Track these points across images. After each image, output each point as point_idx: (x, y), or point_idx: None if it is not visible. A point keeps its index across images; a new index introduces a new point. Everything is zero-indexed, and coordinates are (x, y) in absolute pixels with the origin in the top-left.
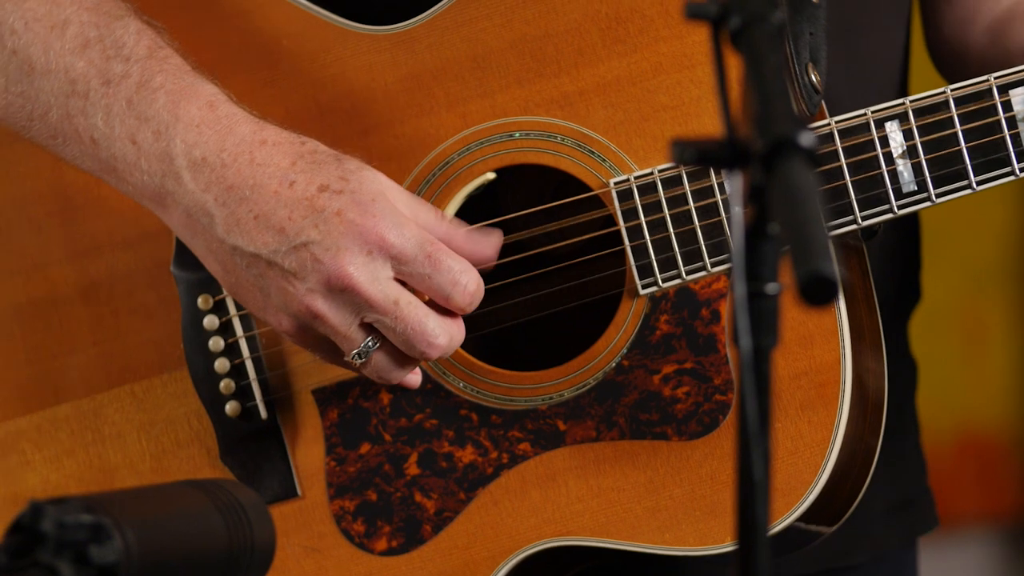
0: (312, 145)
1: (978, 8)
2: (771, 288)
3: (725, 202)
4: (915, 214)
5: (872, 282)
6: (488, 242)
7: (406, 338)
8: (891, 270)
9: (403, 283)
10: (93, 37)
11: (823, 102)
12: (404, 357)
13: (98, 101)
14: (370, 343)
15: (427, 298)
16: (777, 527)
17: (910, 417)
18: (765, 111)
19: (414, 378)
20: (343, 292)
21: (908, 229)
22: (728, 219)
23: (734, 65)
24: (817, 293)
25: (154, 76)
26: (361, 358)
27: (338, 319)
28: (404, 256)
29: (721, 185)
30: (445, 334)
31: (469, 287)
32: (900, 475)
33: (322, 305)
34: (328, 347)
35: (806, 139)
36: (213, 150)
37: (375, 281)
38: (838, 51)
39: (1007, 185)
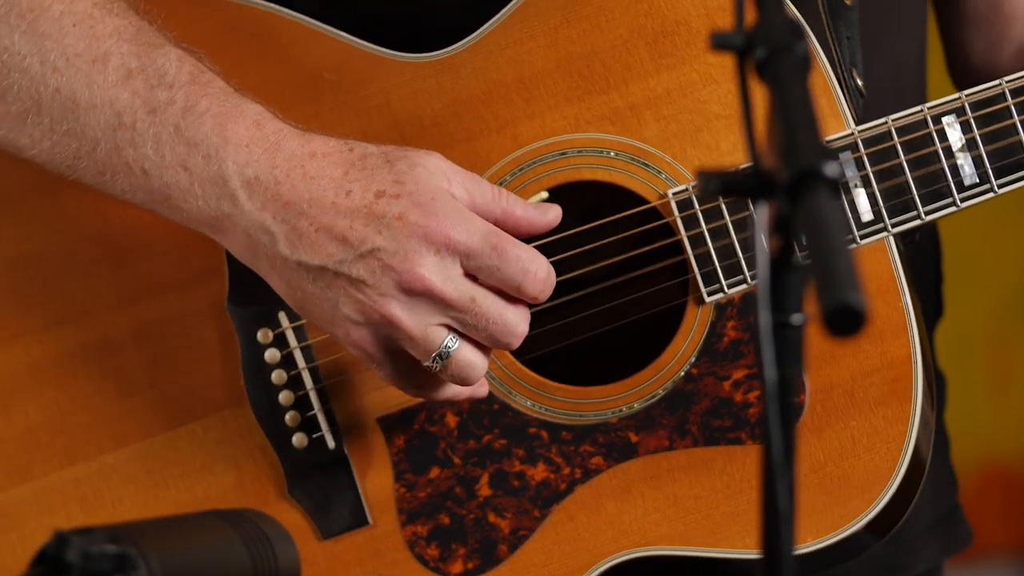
0: (361, 149)
1: (1006, 32)
2: (796, 319)
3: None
4: (935, 228)
5: (912, 287)
6: (548, 215)
7: (489, 332)
8: (914, 283)
9: (472, 277)
10: (135, 67)
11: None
12: (483, 351)
13: (146, 131)
14: (449, 343)
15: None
16: (857, 524)
17: (941, 433)
18: (790, 141)
19: (484, 389)
20: (419, 295)
21: (930, 242)
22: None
23: (760, 95)
24: (843, 324)
25: (199, 100)
26: (441, 360)
27: (414, 322)
28: (472, 251)
29: None
30: (524, 322)
31: (540, 274)
32: (936, 492)
33: (397, 309)
34: (397, 358)
35: (831, 170)
36: (265, 168)
37: (448, 280)
38: (867, 52)
39: None
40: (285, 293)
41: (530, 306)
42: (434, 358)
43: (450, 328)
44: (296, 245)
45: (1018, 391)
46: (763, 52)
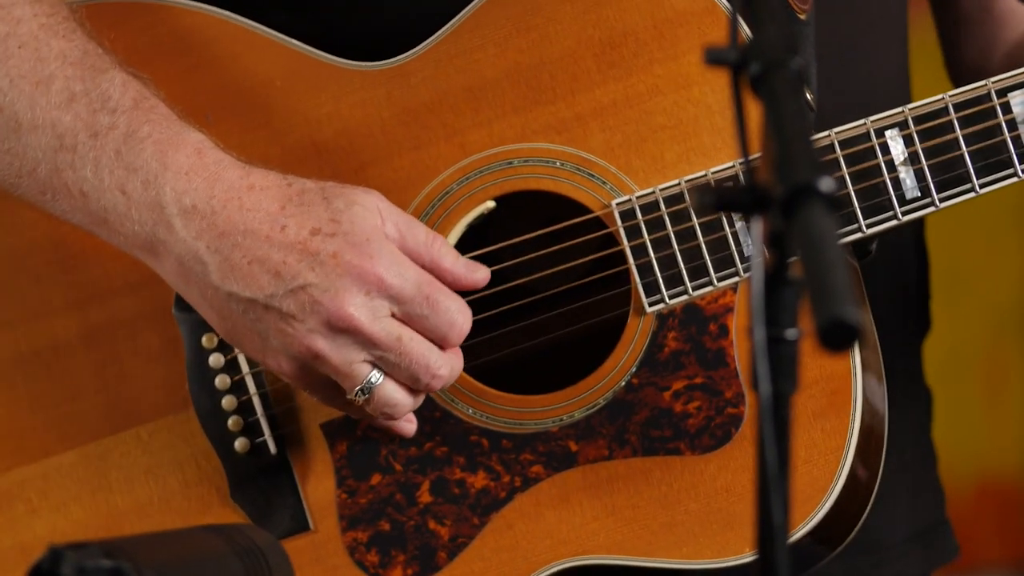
0: (299, 185)
1: (997, 34)
2: (790, 334)
3: (728, 216)
4: (924, 243)
5: (868, 302)
6: (475, 275)
7: (411, 372)
8: (900, 297)
9: (400, 321)
10: (79, 91)
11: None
12: (407, 390)
13: (86, 154)
14: (372, 379)
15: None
16: (796, 535)
17: (927, 447)
18: (785, 157)
19: (408, 426)
20: (345, 332)
21: (917, 256)
22: (731, 232)
23: (753, 110)
24: (838, 338)
25: (141, 126)
26: (364, 394)
27: (340, 358)
28: (403, 296)
29: None
30: (447, 365)
31: (466, 327)
32: (919, 505)
33: (323, 345)
34: (328, 388)
35: (826, 185)
36: (203, 197)
37: (376, 320)
38: (837, 72)
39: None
40: (215, 322)
41: (474, 313)
42: (357, 392)
43: (375, 365)
44: (228, 276)
45: (1012, 406)
46: (757, 67)
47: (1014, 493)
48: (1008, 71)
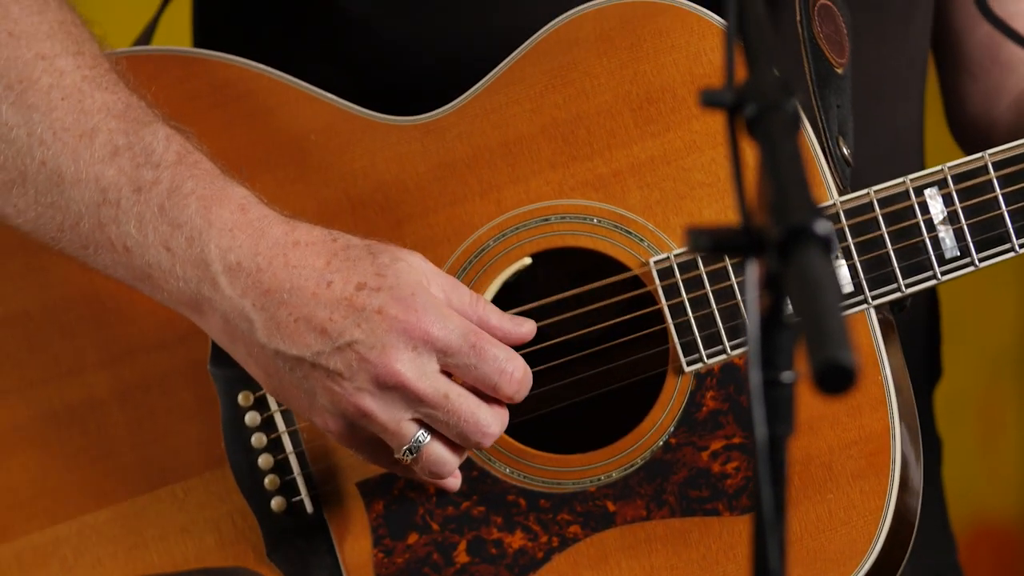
0: (344, 241)
1: (1003, 83)
2: (786, 376)
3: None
4: (934, 290)
5: (903, 355)
6: (522, 328)
7: (460, 430)
8: (913, 345)
9: (448, 374)
10: (122, 144)
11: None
12: (455, 448)
13: (130, 209)
14: (420, 437)
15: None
16: None
17: (938, 494)
18: (781, 199)
19: (455, 481)
20: (393, 389)
21: (929, 304)
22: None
23: (751, 152)
24: (834, 382)
25: (185, 181)
26: (412, 454)
27: (388, 416)
28: (450, 348)
29: None
30: (497, 422)
31: (516, 375)
32: (931, 551)
33: (371, 403)
34: (375, 446)
35: (822, 227)
36: (248, 254)
37: (424, 376)
38: (861, 123)
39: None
40: (262, 380)
41: None
42: (405, 451)
43: (422, 423)
44: (274, 334)
45: (1009, 449)
46: (753, 109)
47: (1011, 535)
48: (1014, 118)
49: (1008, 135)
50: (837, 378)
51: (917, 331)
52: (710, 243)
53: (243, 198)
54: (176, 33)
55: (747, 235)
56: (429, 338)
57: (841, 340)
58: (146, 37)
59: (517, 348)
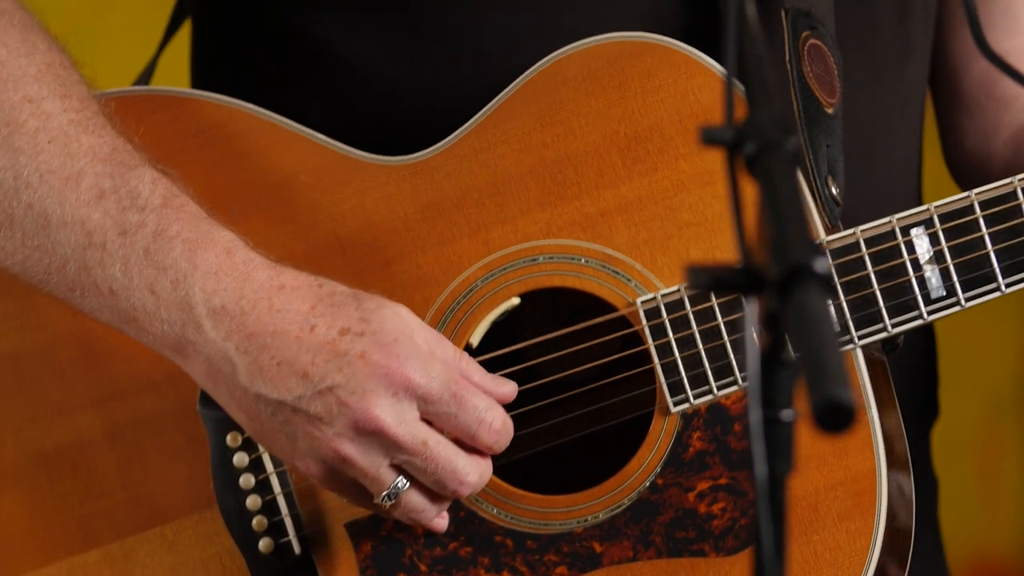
0: (330, 287)
1: (999, 119)
2: (786, 415)
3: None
4: (932, 330)
5: (896, 397)
6: (503, 389)
7: (437, 478)
8: (911, 385)
9: (428, 422)
10: (108, 188)
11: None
12: (434, 496)
13: (115, 252)
14: (399, 484)
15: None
16: None
17: (935, 534)
18: (780, 237)
19: (441, 522)
20: (371, 435)
21: (926, 343)
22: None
23: (750, 190)
24: (833, 420)
25: (170, 225)
26: (390, 499)
27: (366, 462)
28: (430, 396)
29: None
30: (475, 471)
31: (495, 424)
32: None
33: (350, 448)
34: (357, 490)
35: (821, 266)
36: (232, 297)
37: (403, 423)
38: (855, 163)
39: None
40: (245, 423)
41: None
42: (383, 497)
43: (402, 470)
44: (256, 377)
45: (1008, 488)
46: (753, 147)
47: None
48: (1011, 155)
49: (1004, 171)
50: (836, 416)
51: (914, 371)
52: (710, 282)
53: (229, 242)
54: (175, 74)
55: (746, 273)
56: (410, 385)
57: (841, 378)
58: (145, 78)
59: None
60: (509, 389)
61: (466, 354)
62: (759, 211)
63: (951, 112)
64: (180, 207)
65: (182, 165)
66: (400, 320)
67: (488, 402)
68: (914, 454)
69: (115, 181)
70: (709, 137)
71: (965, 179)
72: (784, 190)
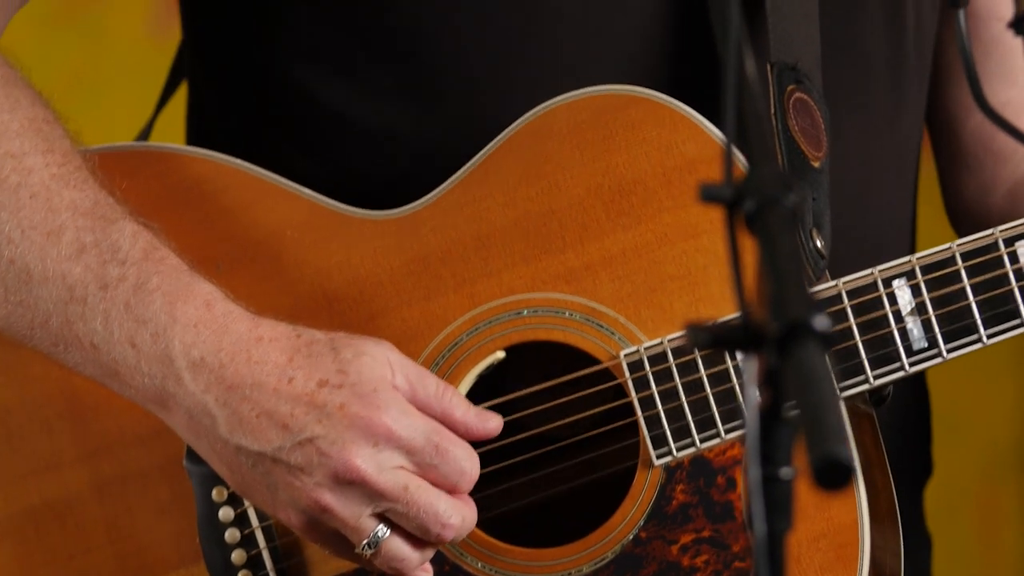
0: (308, 336)
1: (997, 174)
2: (785, 473)
3: (736, 368)
4: (925, 387)
5: (885, 451)
6: (488, 424)
7: (420, 522)
8: (902, 442)
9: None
10: (89, 242)
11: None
12: (418, 542)
13: (96, 306)
14: (379, 532)
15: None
16: None
17: None
18: (780, 294)
19: (424, 574)
20: (352, 484)
21: (918, 400)
22: (740, 385)
23: (748, 247)
24: (832, 477)
25: (150, 278)
26: (371, 548)
27: (347, 511)
28: (411, 447)
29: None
30: (458, 514)
31: (476, 474)
32: None
33: (330, 499)
34: (338, 540)
35: (821, 323)
36: (211, 349)
37: (383, 471)
38: (848, 217)
39: (1021, 364)
40: (226, 475)
41: (483, 465)
42: (364, 546)
43: (383, 518)
44: (236, 429)
45: (1007, 547)
46: (752, 204)
47: None
48: (1009, 209)
49: (1001, 224)
50: (835, 474)
51: (905, 427)
52: (709, 340)
53: (208, 294)
54: (173, 132)
55: (745, 330)
56: (391, 435)
57: (839, 436)
58: (144, 136)
59: (490, 443)
60: (494, 424)
61: (451, 387)
62: (758, 267)
63: (950, 165)
64: (160, 260)
65: (169, 221)
66: (379, 367)
67: (467, 451)
68: (906, 511)
69: (96, 235)
70: (709, 194)
71: (965, 231)
72: (784, 247)
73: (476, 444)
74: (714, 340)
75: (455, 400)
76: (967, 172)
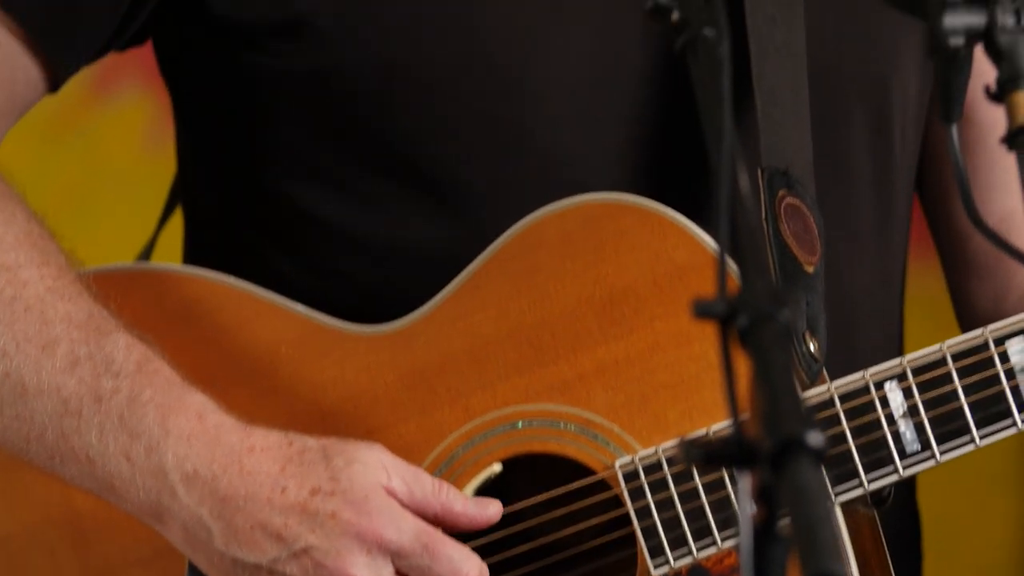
0: (300, 444)
1: (1010, 281)
2: None
3: (731, 476)
4: (915, 505)
5: (887, 552)
6: (488, 510)
7: None
8: (892, 560)
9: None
10: (83, 355)
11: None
12: None
13: (91, 419)
14: None
15: None
16: None
17: None
18: (773, 410)
19: None
20: None
21: (909, 516)
22: (735, 492)
23: (741, 356)
24: None
25: (143, 390)
26: None
27: None
28: (403, 550)
29: None
30: None
31: (472, 574)
32: None
33: None
34: None
35: (814, 439)
36: (204, 462)
37: None
38: (836, 323)
39: (1014, 481)
40: None
41: None
42: None
43: None
44: (232, 541)
45: None
46: (745, 320)
47: None
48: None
49: None
50: None
51: (898, 547)
52: (702, 456)
53: (201, 405)
54: (175, 252)
55: (739, 446)
56: (383, 541)
57: (833, 553)
58: (145, 256)
59: (484, 555)
60: (494, 509)
61: (446, 483)
62: (751, 381)
63: (960, 276)
64: (154, 372)
65: (164, 341)
66: (372, 473)
67: (462, 552)
68: None
69: (90, 347)
70: (702, 310)
71: None
72: (777, 363)
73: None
74: (707, 456)
75: (452, 494)
76: (979, 281)
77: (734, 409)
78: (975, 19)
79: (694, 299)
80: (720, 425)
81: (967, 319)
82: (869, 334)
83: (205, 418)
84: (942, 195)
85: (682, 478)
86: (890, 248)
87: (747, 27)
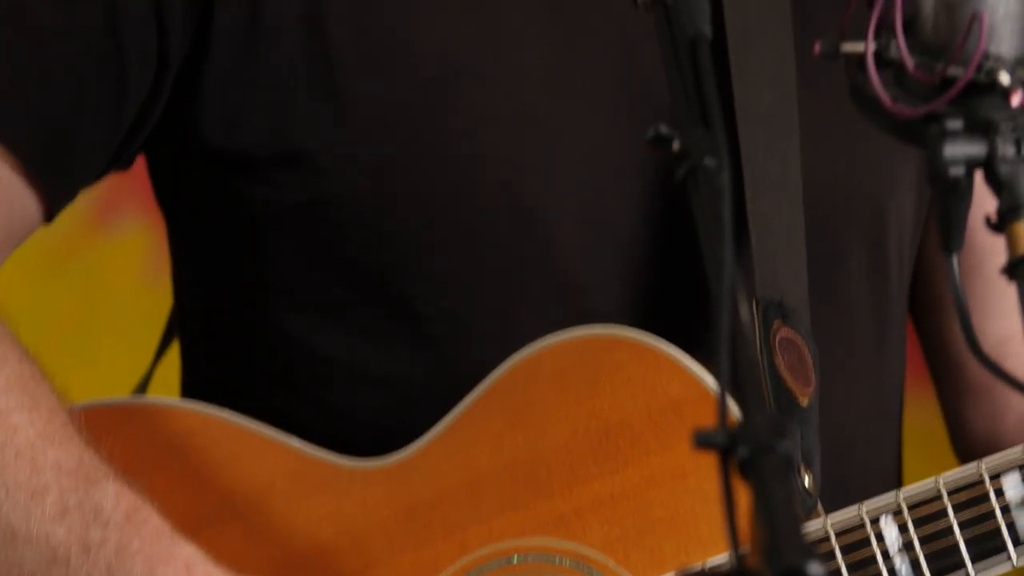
0: None
1: (1007, 402)
2: None
3: None
4: None
5: None
6: None
7: None
8: None
9: None
10: (72, 503)
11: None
12: None
13: (79, 568)
14: None
15: None
16: None
17: None
18: (774, 542)
19: None
20: None
21: None
22: None
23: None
24: None
25: (132, 540)
26: None
27: None
28: None
29: None
30: None
31: None
32: None
33: None
34: None
35: (815, 571)
36: None
37: None
38: (828, 467)
39: None
40: None
41: None
42: None
43: None
44: None
45: None
46: (746, 451)
47: None
48: (1022, 435)
49: None
50: None
51: None
52: None
53: (189, 557)
54: (172, 384)
55: None
56: None
57: None
58: (142, 387)
59: None
60: None
61: None
62: (751, 513)
63: (957, 400)
64: (142, 522)
65: (157, 477)
66: None
67: None
68: None
69: (79, 495)
70: (702, 440)
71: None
72: (777, 494)
73: None
74: None
75: None
76: (974, 403)
77: (734, 540)
78: (975, 149)
79: (694, 429)
80: (716, 559)
81: (961, 440)
82: (865, 464)
83: (193, 569)
84: (937, 317)
85: None
86: (886, 375)
87: (742, 158)
